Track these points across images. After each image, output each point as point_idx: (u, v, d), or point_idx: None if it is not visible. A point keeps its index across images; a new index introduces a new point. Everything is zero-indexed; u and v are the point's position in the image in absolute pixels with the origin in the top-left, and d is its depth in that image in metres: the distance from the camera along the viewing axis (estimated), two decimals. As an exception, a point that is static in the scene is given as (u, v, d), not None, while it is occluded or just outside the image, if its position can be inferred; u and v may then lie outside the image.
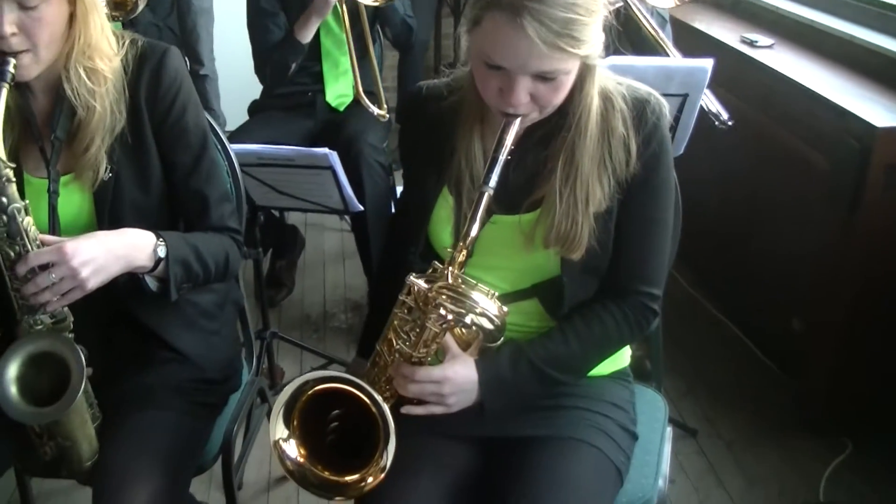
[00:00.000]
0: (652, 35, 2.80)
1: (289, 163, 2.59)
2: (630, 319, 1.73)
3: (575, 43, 1.46)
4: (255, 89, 3.80)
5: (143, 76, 1.86)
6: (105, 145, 1.82)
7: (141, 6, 3.38)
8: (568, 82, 1.55)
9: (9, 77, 1.67)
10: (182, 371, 1.94)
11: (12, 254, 1.65)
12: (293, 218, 4.30)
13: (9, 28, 1.66)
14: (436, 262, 1.60)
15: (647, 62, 2.47)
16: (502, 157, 1.55)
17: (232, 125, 4.91)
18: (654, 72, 2.42)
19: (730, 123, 2.70)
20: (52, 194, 1.83)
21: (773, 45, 3.48)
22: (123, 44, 1.87)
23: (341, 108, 3.56)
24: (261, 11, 3.51)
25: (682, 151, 2.66)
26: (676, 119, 2.53)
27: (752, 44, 3.49)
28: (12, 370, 1.65)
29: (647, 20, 2.92)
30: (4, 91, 1.66)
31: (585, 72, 1.58)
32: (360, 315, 3.74)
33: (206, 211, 1.95)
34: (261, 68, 3.57)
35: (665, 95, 2.27)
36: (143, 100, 1.86)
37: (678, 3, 3.10)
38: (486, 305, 1.52)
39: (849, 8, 3.44)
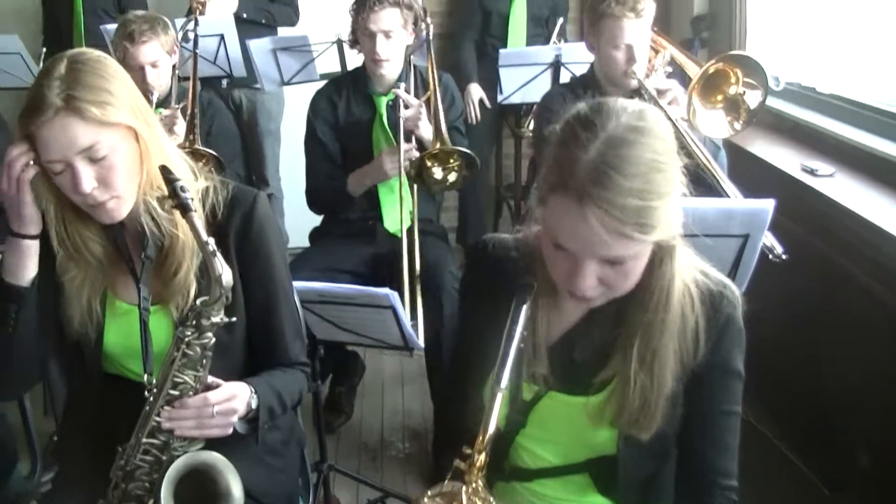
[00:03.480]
0: (707, 168, 2.82)
1: (350, 301, 2.61)
2: None
3: (644, 229, 1.42)
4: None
5: (233, 220, 1.94)
6: (193, 269, 1.89)
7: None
8: (638, 267, 1.52)
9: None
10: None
11: (189, 380, 1.78)
12: (353, 339, 4.29)
13: (88, 184, 1.74)
14: (458, 463, 1.55)
15: (708, 203, 2.47)
16: (513, 351, 1.53)
17: (294, 242, 5.02)
18: (716, 213, 2.42)
19: (784, 257, 2.68)
20: (143, 311, 1.89)
21: (833, 173, 3.45)
22: (212, 186, 1.94)
23: (399, 235, 3.57)
24: (315, 142, 3.65)
25: (743, 290, 2.63)
26: (737, 259, 2.52)
27: (812, 172, 3.46)
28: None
29: (701, 151, 2.95)
30: None
31: (663, 252, 1.55)
32: (419, 443, 3.72)
33: (282, 347, 2.05)
34: (312, 199, 3.71)
35: (726, 236, 2.30)
36: (232, 242, 1.94)
37: (732, 133, 3.13)
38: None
39: (911, 136, 3.42)
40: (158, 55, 3.69)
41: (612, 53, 3.21)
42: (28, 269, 1.86)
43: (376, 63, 3.52)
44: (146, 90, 3.61)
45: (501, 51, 4.44)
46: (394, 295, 2.55)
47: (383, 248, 3.48)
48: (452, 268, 3.44)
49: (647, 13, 3.19)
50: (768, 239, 2.66)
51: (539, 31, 5.28)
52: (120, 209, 1.82)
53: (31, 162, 1.77)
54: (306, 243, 3.83)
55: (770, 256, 2.69)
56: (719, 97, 3.11)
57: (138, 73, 3.65)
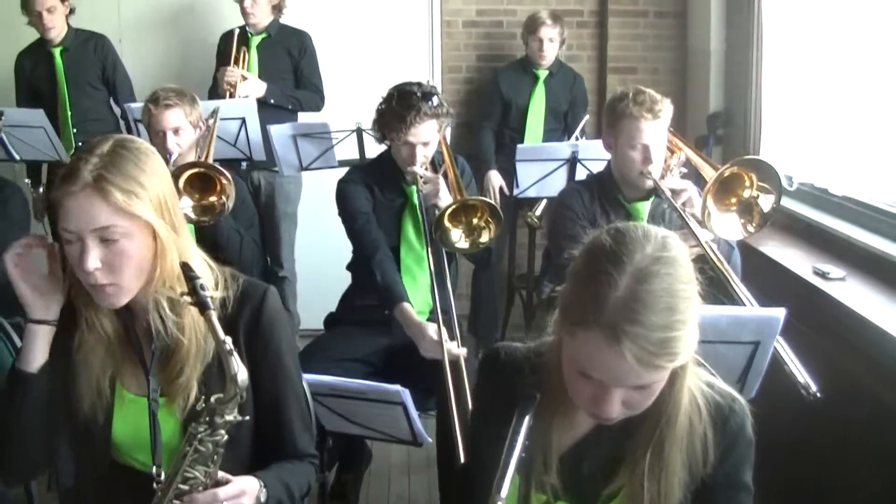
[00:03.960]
0: (721, 272, 2.84)
1: (361, 396, 2.62)
2: None
3: (672, 357, 1.46)
4: (330, 293, 3.89)
5: (242, 315, 1.96)
6: (196, 373, 1.89)
7: (229, 206, 3.55)
8: (660, 386, 1.54)
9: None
10: None
11: (199, 476, 1.77)
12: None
13: (92, 263, 1.76)
14: None
15: (720, 311, 2.48)
16: (513, 462, 1.54)
17: (306, 324, 5.05)
18: (727, 320, 2.43)
19: (818, 395, 2.63)
20: (153, 402, 1.91)
21: (845, 276, 3.47)
22: (222, 279, 1.96)
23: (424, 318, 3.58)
24: (361, 213, 3.60)
25: (752, 395, 2.64)
26: (748, 366, 2.53)
27: (824, 276, 3.48)
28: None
29: (716, 254, 2.97)
30: None
31: (678, 370, 1.56)
32: (423, 535, 3.69)
33: (291, 440, 2.05)
34: (359, 267, 3.66)
35: (737, 343, 2.31)
36: (242, 336, 1.95)
37: (745, 235, 3.16)
38: None
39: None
40: (181, 122, 3.75)
41: (629, 153, 3.26)
42: (35, 353, 1.89)
43: (410, 166, 3.51)
44: (165, 153, 3.68)
45: (519, 146, 4.50)
46: (405, 392, 2.56)
47: (398, 339, 3.45)
48: (472, 364, 3.39)
49: (665, 115, 3.24)
50: (802, 376, 2.64)
51: (556, 125, 5.40)
52: (118, 297, 1.83)
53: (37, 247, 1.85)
54: (318, 325, 3.83)
55: (804, 393, 2.65)
56: (733, 199, 3.15)
57: (160, 138, 3.73)
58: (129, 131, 5.05)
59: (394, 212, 3.63)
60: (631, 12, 5.81)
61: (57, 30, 5.08)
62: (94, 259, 1.76)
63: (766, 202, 3.11)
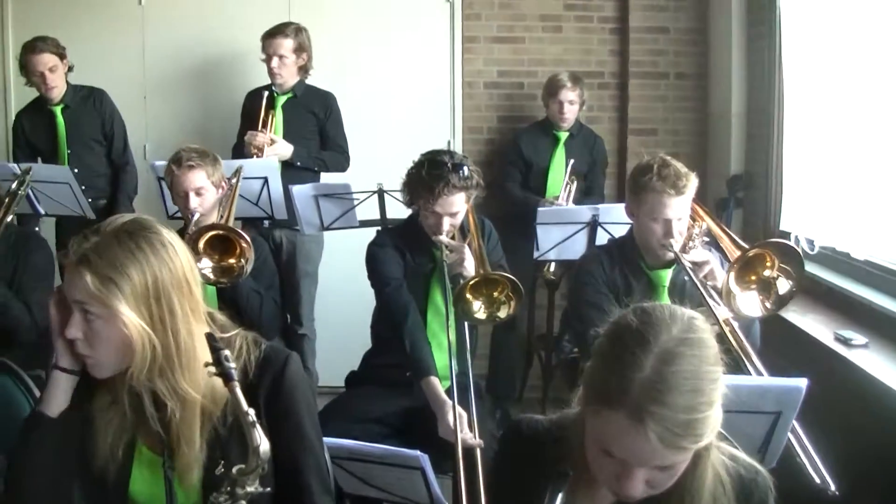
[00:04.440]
0: (738, 351, 2.83)
1: (380, 460, 2.62)
2: None
3: (697, 439, 1.46)
4: (349, 350, 3.91)
5: (263, 381, 1.96)
6: (202, 441, 1.89)
7: (248, 269, 3.57)
8: (684, 466, 1.53)
9: None
10: None
11: None
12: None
13: (73, 332, 1.81)
14: None
15: (740, 380, 2.47)
16: None
17: (325, 381, 5.06)
18: (748, 390, 2.41)
19: (836, 494, 2.61)
20: (168, 469, 1.91)
21: (867, 343, 3.46)
22: (245, 345, 1.97)
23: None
24: (392, 278, 3.61)
25: (773, 465, 2.62)
26: (769, 436, 2.51)
27: (846, 342, 3.47)
28: None
29: (736, 335, 2.95)
30: None
31: (702, 448, 1.56)
32: None
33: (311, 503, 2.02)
34: (382, 328, 3.67)
35: (757, 413, 2.30)
36: (262, 403, 1.94)
37: (763, 312, 3.14)
38: None
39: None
40: (204, 183, 3.78)
41: (651, 225, 3.26)
42: (57, 399, 1.90)
43: (436, 234, 3.53)
44: (188, 214, 3.75)
45: (539, 209, 4.52)
46: (424, 457, 2.56)
47: (419, 400, 3.43)
48: (491, 425, 3.42)
49: (690, 190, 3.23)
50: (818, 474, 2.62)
51: (577, 186, 5.36)
52: (98, 370, 1.86)
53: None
54: (336, 382, 3.85)
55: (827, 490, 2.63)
56: (753, 277, 3.15)
57: (183, 199, 3.77)
58: (118, 186, 5.27)
59: (423, 276, 3.64)
60: (651, 74, 5.85)
61: (59, 88, 5.12)
62: (75, 329, 1.81)
63: (784, 285, 3.11)
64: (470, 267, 3.46)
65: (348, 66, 5.75)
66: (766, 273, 3.12)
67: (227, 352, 1.71)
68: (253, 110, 5.10)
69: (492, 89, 5.91)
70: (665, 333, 1.49)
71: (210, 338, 1.74)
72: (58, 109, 5.15)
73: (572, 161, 5.30)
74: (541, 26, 5.88)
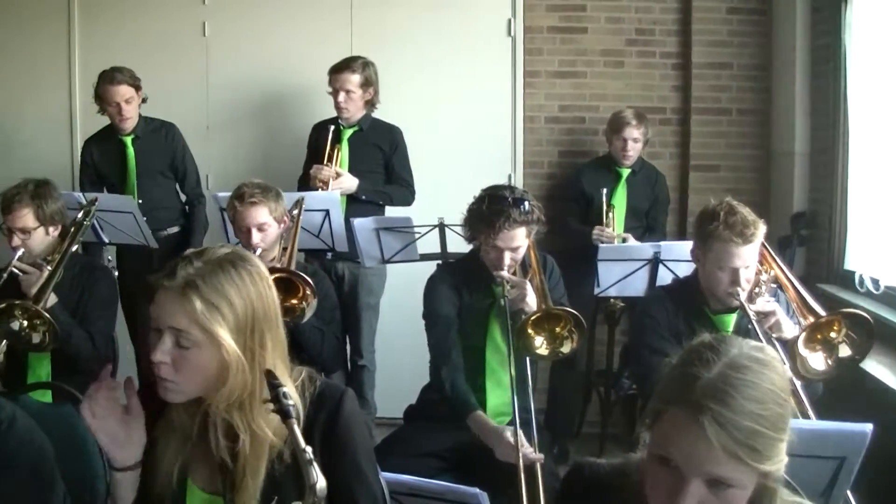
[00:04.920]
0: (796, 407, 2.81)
1: (439, 496, 2.62)
2: None
3: (755, 455, 1.45)
4: (408, 382, 3.94)
5: (319, 417, 1.98)
6: (262, 474, 1.91)
7: (308, 314, 3.61)
8: (740, 499, 1.51)
9: None
10: None
11: None
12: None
13: (159, 356, 1.82)
14: None
15: (802, 423, 2.45)
16: None
17: (383, 412, 5.08)
18: (811, 433, 2.39)
19: None
20: (228, 502, 1.92)
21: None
22: (300, 382, 1.98)
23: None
24: (441, 316, 3.63)
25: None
26: (832, 481, 2.47)
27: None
28: None
29: (799, 393, 2.92)
30: None
31: (763, 492, 1.55)
32: None
33: None
34: (436, 371, 3.64)
35: (821, 458, 2.27)
36: (318, 440, 1.96)
37: (825, 368, 3.09)
38: None
39: None
40: (266, 219, 3.83)
41: (718, 274, 3.21)
42: (126, 499, 1.94)
43: (497, 269, 3.53)
44: (250, 248, 3.76)
45: (601, 245, 4.53)
46: (483, 495, 2.55)
47: (474, 436, 3.45)
48: (548, 461, 3.39)
49: (758, 238, 3.18)
50: None
51: (637, 224, 5.40)
52: (175, 394, 1.89)
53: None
54: (395, 414, 3.88)
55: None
56: (819, 337, 3.13)
57: (245, 234, 3.83)
58: (193, 219, 5.32)
59: (482, 312, 3.65)
60: (713, 110, 5.82)
61: (133, 119, 5.18)
62: (162, 353, 1.83)
63: (845, 350, 3.09)
64: (532, 302, 3.46)
65: (410, 100, 5.79)
66: (833, 336, 3.10)
67: (285, 388, 1.73)
68: (319, 143, 5.14)
69: (553, 124, 5.92)
70: (737, 349, 1.53)
71: (269, 374, 1.77)
72: (128, 140, 5.22)
73: (604, 190, 5.28)
74: (602, 61, 5.88)
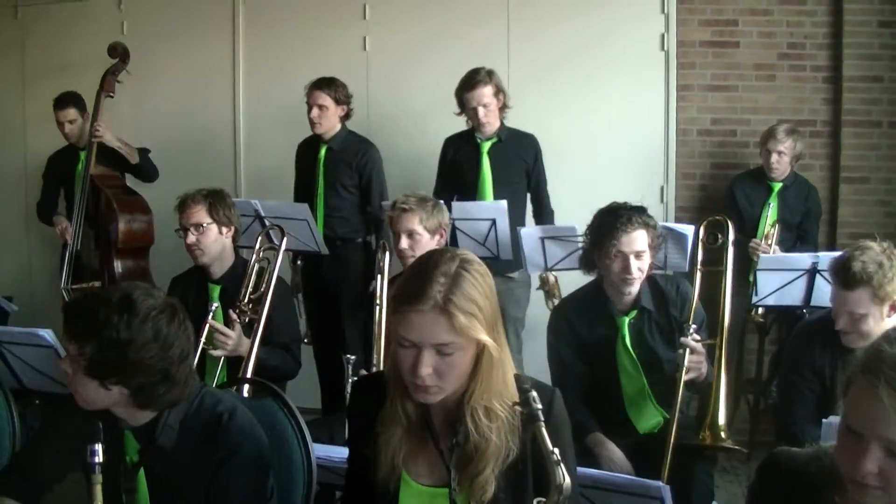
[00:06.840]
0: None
1: (621, 489, 2.73)
2: None
3: None
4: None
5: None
6: (496, 471, 2.01)
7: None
8: None
9: None
10: None
11: None
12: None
13: (425, 370, 1.93)
14: None
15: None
16: None
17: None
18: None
19: None
20: (452, 490, 2.04)
21: None
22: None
23: (656, 431, 3.66)
24: (559, 364, 3.74)
25: None
26: None
27: None
28: None
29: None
30: None
31: None
32: None
33: None
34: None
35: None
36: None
37: None
38: None
39: None
40: (416, 227, 3.95)
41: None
42: None
43: (625, 282, 3.53)
44: (399, 254, 3.96)
45: (763, 255, 4.64)
46: (665, 488, 2.66)
47: (639, 442, 3.57)
48: (705, 464, 3.49)
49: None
50: None
51: (788, 235, 5.42)
52: (437, 396, 2.00)
53: None
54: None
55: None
56: None
57: (396, 239, 4.00)
58: (377, 235, 5.41)
59: (607, 345, 3.67)
60: (864, 122, 5.81)
61: (324, 127, 5.34)
62: (427, 367, 1.94)
63: None
64: (705, 370, 3.46)
65: (565, 113, 5.91)
66: None
67: (534, 393, 1.85)
68: (458, 157, 5.29)
69: (705, 136, 5.98)
70: None
71: (519, 379, 1.91)
72: (323, 148, 5.43)
73: (768, 212, 5.35)
74: (754, 75, 5.93)
